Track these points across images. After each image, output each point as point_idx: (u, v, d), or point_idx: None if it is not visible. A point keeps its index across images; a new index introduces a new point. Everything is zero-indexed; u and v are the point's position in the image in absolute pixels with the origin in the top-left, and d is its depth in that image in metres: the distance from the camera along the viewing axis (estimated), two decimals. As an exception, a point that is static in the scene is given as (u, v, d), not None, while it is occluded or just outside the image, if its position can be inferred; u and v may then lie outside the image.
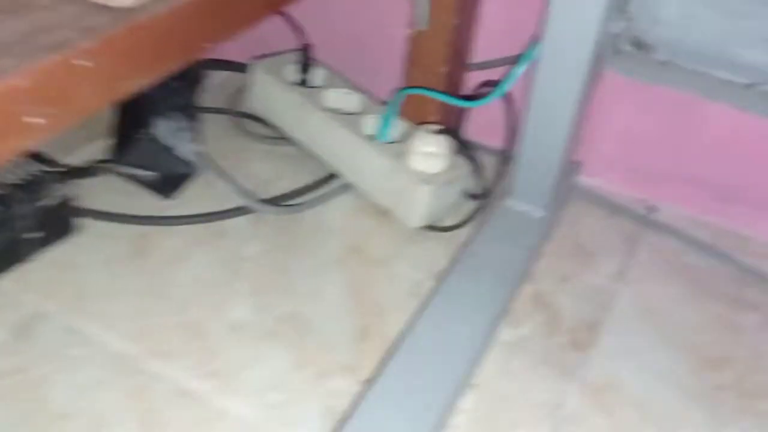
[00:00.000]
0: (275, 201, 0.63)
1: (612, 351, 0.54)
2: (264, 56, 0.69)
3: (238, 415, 0.47)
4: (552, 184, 0.57)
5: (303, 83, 0.68)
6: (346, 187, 0.66)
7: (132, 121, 0.62)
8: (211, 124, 0.71)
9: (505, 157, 0.65)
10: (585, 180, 0.70)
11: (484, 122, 0.69)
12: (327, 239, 0.61)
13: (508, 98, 0.62)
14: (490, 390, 0.50)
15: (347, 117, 0.64)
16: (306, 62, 0.68)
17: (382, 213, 0.64)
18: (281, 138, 0.70)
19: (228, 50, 0.74)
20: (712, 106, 0.61)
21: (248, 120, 0.72)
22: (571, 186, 0.65)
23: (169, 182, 0.62)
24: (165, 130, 0.60)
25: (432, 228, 0.63)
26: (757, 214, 0.65)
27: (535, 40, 0.53)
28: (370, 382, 0.48)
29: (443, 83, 0.63)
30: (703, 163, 0.65)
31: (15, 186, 0.51)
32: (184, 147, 0.60)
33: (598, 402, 0.50)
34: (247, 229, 0.61)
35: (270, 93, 0.68)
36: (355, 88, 0.68)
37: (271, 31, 0.66)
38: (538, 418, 0.49)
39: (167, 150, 0.60)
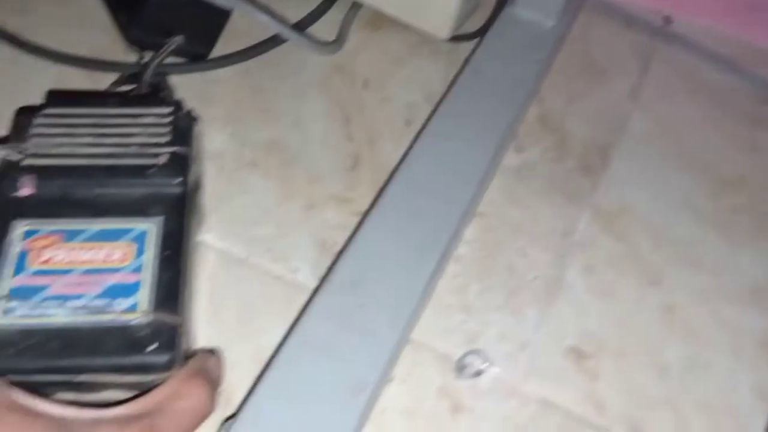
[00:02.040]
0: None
1: (624, 176, 0.52)
2: None
3: (223, 250, 0.44)
4: (566, -12, 0.51)
5: None
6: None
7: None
8: None
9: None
10: (596, -13, 0.63)
11: None
12: (306, 58, 0.55)
13: None
14: (497, 218, 0.48)
15: None
16: None
17: (372, 26, 0.57)
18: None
19: None
20: None
21: None
22: (581, -7, 0.59)
23: (200, 40, 0.51)
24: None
25: (436, 40, 0.56)
26: (785, 24, 0.60)
27: None
28: (366, 214, 0.45)
29: None
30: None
31: None
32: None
33: (610, 228, 0.48)
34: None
35: None
36: None
37: None
38: (547, 245, 0.47)
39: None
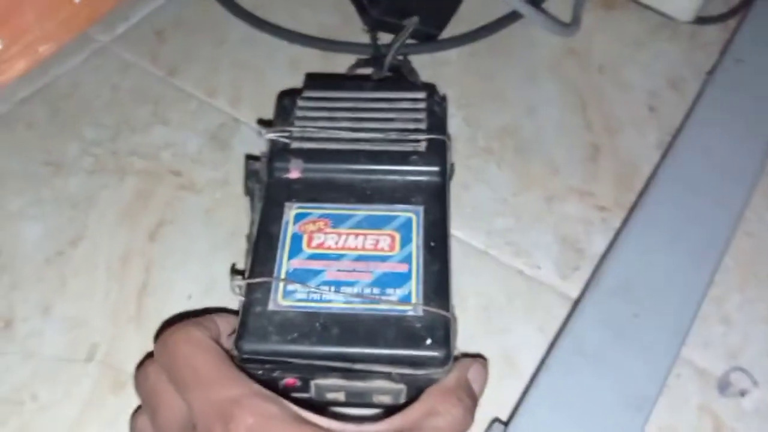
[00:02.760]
0: None
1: None
2: None
3: (461, 240, 0.43)
4: None
5: None
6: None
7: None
8: None
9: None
10: None
11: None
12: (535, 40, 0.53)
13: None
14: (757, 223, 0.43)
15: None
16: None
17: (605, 6, 0.54)
18: None
19: None
20: None
21: None
22: None
23: (433, 21, 0.50)
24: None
25: (678, 22, 0.52)
26: None
27: None
28: (627, 217, 0.42)
29: None
30: None
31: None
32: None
33: None
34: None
35: None
36: None
37: None
38: (819, 257, 0.42)
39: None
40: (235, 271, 0.36)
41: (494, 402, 0.36)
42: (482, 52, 0.52)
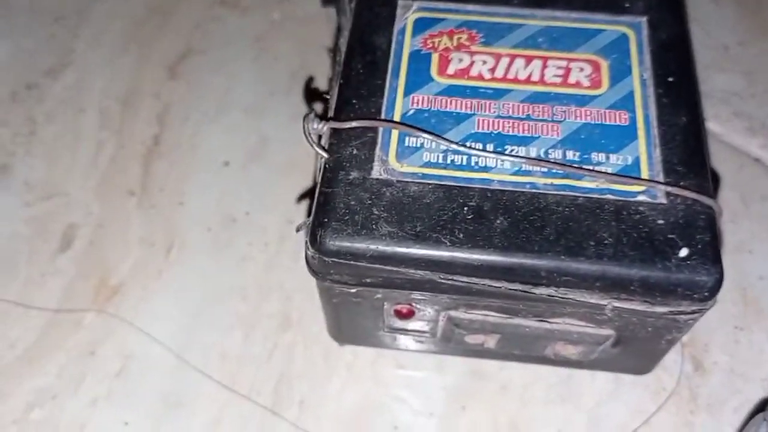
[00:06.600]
0: None
1: None
2: None
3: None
4: None
5: None
6: None
7: None
8: None
9: None
10: None
11: None
12: None
13: None
14: None
15: None
16: None
17: None
18: None
19: None
20: None
21: None
22: None
23: None
24: None
25: None
26: None
27: None
28: None
29: None
30: None
31: None
32: None
33: None
34: None
35: None
36: None
37: None
38: None
39: None
40: (313, 95, 0.20)
41: (740, 375, 0.21)
42: None
